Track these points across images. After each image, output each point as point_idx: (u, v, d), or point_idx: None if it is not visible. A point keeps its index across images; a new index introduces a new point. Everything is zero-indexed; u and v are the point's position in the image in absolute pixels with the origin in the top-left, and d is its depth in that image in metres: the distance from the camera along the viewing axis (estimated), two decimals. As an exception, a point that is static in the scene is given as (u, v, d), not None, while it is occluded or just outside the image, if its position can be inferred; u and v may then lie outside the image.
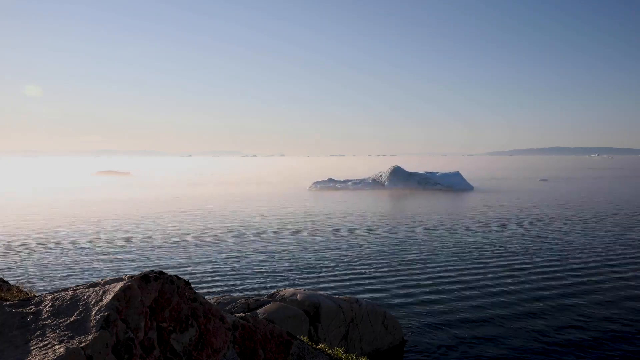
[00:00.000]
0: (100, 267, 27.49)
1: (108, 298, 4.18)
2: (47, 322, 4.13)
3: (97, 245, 34.06)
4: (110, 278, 4.64)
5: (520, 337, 17.12)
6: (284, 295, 15.87)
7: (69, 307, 4.26)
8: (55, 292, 4.56)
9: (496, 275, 25.40)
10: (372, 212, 53.65)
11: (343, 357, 7.11)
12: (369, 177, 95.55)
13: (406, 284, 23.87)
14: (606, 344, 16.57)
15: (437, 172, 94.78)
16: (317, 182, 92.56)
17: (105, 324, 3.96)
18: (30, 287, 6.56)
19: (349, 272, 26.33)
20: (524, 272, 25.87)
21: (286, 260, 29.10)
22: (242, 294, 21.25)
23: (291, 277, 25.26)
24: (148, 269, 4.81)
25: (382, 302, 20.66)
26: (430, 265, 27.77)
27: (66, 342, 3.82)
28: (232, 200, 67.54)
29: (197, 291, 4.95)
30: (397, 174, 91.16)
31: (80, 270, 26.87)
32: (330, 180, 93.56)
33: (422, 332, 17.66)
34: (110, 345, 3.89)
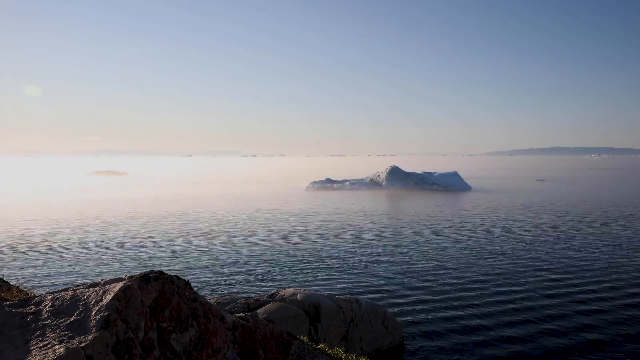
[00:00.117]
0: (100, 267, 27.49)
1: (108, 298, 4.18)
2: (47, 322, 4.13)
3: (97, 245, 34.06)
4: (110, 278, 4.64)
5: (520, 336, 17.12)
6: (284, 295, 15.87)
7: (69, 307, 4.26)
8: (55, 292, 4.56)
9: (495, 275, 25.41)
10: (368, 212, 53.66)
11: (343, 357, 7.11)
12: (367, 177, 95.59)
13: (406, 284, 23.88)
14: (606, 343, 16.57)
15: (435, 172, 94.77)
16: (314, 182, 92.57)
17: (105, 324, 3.95)
18: (30, 287, 6.56)
19: (349, 272, 26.33)
20: (522, 272, 25.87)
21: (286, 260, 29.09)
22: (242, 294, 21.26)
23: (291, 277, 25.27)
24: (148, 269, 4.81)
25: (382, 302, 20.66)
26: (429, 265, 27.77)
27: (66, 342, 3.82)
28: (230, 200, 67.55)
29: (197, 291, 4.95)
30: (395, 174, 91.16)
31: (80, 270, 26.87)
32: (328, 180, 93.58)
33: (422, 332, 17.66)
34: (110, 345, 3.89)
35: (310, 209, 56.54)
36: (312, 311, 15.22)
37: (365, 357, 8.18)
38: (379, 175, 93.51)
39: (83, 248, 32.92)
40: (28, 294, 5.32)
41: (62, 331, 3.99)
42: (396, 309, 19.84)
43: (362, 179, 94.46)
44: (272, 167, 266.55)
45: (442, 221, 45.29)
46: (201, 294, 5.32)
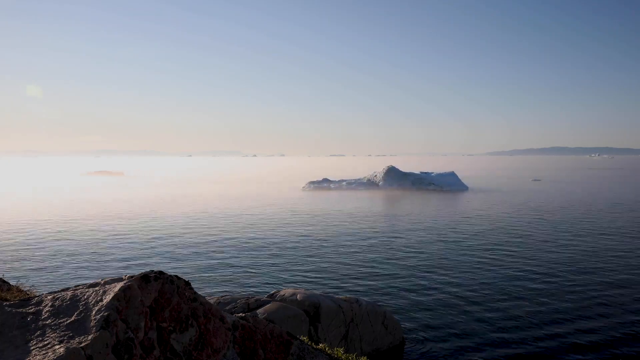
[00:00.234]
0: (100, 267, 27.48)
1: (108, 298, 4.18)
2: (47, 322, 4.13)
3: (97, 245, 34.05)
4: (110, 278, 4.64)
5: (519, 336, 17.12)
6: (284, 295, 15.86)
7: (69, 307, 4.26)
8: (55, 292, 4.55)
9: (493, 275, 25.41)
10: (364, 212, 53.66)
11: (343, 357, 7.11)
12: (364, 177, 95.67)
13: (406, 284, 23.88)
14: (606, 343, 16.58)
15: (432, 172, 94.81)
16: (311, 182, 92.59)
17: (105, 324, 3.95)
18: (30, 287, 6.56)
19: (349, 272, 26.33)
20: (521, 272, 25.87)
21: (286, 260, 29.09)
22: (242, 294, 21.25)
23: (291, 277, 25.27)
24: (148, 269, 4.80)
25: (382, 302, 20.67)
26: (429, 265, 27.77)
27: (66, 342, 3.82)
28: (228, 200, 67.54)
29: (197, 291, 4.95)
30: (392, 174, 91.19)
31: (80, 270, 26.86)
32: (325, 180, 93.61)
33: (422, 332, 17.66)
34: (110, 345, 3.89)
35: (306, 209, 56.55)
36: (312, 311, 15.22)
37: (365, 357, 8.18)
38: (376, 176, 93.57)
39: (83, 248, 32.91)
40: (28, 294, 5.32)
41: (62, 331, 3.99)
42: (396, 309, 19.84)
43: (359, 179, 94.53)
44: (272, 167, 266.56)
45: (438, 221, 45.30)
46: (201, 294, 5.32)
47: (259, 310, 14.43)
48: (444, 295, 21.96)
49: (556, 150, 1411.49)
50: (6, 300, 4.59)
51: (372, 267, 27.41)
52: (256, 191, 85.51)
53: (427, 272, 26.17)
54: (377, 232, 39.65)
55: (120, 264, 28.32)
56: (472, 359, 15.48)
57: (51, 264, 28.16)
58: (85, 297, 4.31)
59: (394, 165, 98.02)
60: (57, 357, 3.60)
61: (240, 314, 5.48)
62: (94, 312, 4.07)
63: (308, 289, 18.62)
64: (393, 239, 36.09)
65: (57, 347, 3.76)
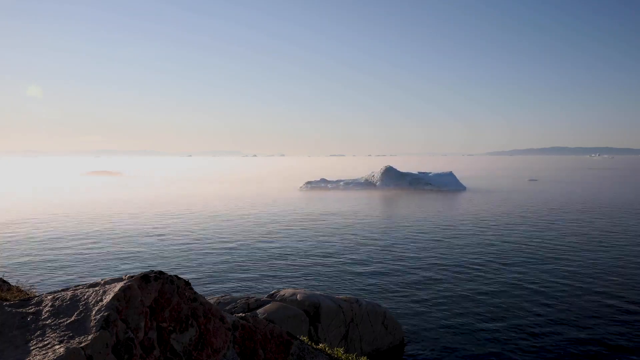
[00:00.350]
0: (100, 267, 27.48)
1: (108, 298, 4.18)
2: (47, 322, 4.13)
3: (97, 245, 34.05)
4: (110, 278, 4.63)
5: (519, 335, 17.13)
6: (284, 295, 15.86)
7: (69, 307, 4.26)
8: (55, 292, 4.55)
9: (492, 274, 25.41)
10: (360, 212, 53.66)
11: (343, 357, 7.11)
12: (361, 178, 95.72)
13: (406, 284, 23.88)
14: (605, 343, 16.58)
15: (430, 173, 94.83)
16: (308, 183, 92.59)
17: (105, 324, 3.95)
18: (30, 287, 6.56)
19: (349, 272, 26.33)
20: (519, 272, 25.88)
21: (286, 260, 29.09)
22: (242, 294, 21.24)
23: (291, 277, 25.26)
24: (148, 269, 4.80)
25: (382, 302, 20.66)
26: (429, 265, 27.77)
27: (66, 342, 3.81)
28: (227, 200, 67.53)
29: (197, 291, 4.95)
30: (389, 174, 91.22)
31: (80, 270, 26.86)
32: (322, 180, 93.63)
33: (422, 332, 17.66)
34: (110, 345, 3.89)
35: (303, 209, 56.54)
36: (312, 311, 15.22)
37: (365, 357, 8.18)
38: (373, 176, 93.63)
39: (83, 248, 32.91)
40: (28, 294, 5.32)
41: (62, 331, 3.99)
42: (396, 309, 19.84)
43: (356, 179, 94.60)
44: (272, 167, 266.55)
45: (434, 221, 45.31)
46: (201, 294, 5.32)
47: (259, 310, 14.43)
48: (444, 295, 21.96)
49: (556, 150, 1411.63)
50: (6, 300, 4.59)
51: (372, 267, 27.41)
52: (255, 191, 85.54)
53: (427, 272, 26.17)
54: (375, 232, 39.65)
55: (120, 264, 28.31)
56: (472, 359, 15.49)
57: (51, 264, 28.16)
58: (85, 297, 4.31)
59: (392, 165, 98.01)
60: (57, 357, 3.60)
61: (240, 314, 5.48)
62: (94, 312, 4.07)
63: (308, 289, 18.63)
64: (391, 239, 36.09)
65: (57, 347, 3.76)
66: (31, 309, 4.33)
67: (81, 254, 31.11)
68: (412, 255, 30.50)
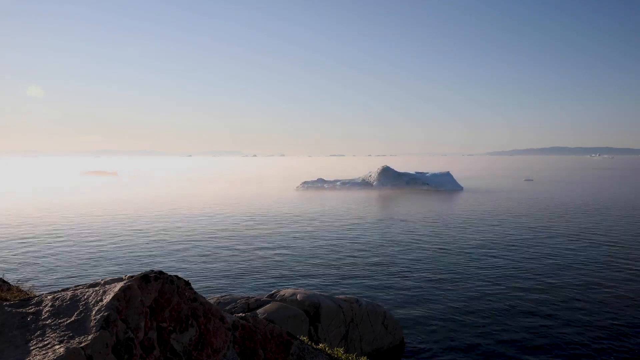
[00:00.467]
0: (100, 267, 27.47)
1: (108, 298, 4.17)
2: (47, 322, 4.13)
3: (97, 245, 34.04)
4: (110, 278, 4.63)
5: (518, 335, 17.13)
6: (284, 295, 15.86)
7: (69, 307, 4.26)
8: (55, 292, 4.55)
9: (492, 275, 25.41)
10: (354, 212, 53.65)
11: (343, 357, 7.11)
12: (359, 177, 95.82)
13: (406, 284, 23.88)
14: (605, 341, 16.58)
15: (427, 173, 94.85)
16: (305, 182, 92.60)
17: (105, 324, 3.95)
18: (30, 287, 6.56)
19: (349, 272, 26.33)
20: (518, 272, 25.88)
21: (286, 260, 29.08)
22: (242, 294, 21.24)
23: (291, 277, 25.26)
24: (148, 269, 4.81)
25: (382, 302, 20.66)
26: (428, 265, 27.77)
27: (66, 342, 3.81)
28: (225, 200, 67.51)
29: (197, 291, 4.95)
30: (386, 174, 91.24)
31: (80, 270, 26.85)
32: (320, 180, 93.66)
33: (422, 332, 17.66)
34: (110, 345, 3.89)
35: (299, 209, 56.54)
36: (312, 311, 15.21)
37: (365, 357, 8.18)
38: (370, 175, 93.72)
39: (83, 248, 32.89)
40: (28, 294, 5.32)
41: (62, 331, 3.98)
42: (396, 309, 19.84)
43: (354, 179, 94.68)
44: (272, 167, 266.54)
45: (431, 221, 45.31)
46: (201, 294, 5.31)
47: (259, 310, 14.43)
48: (443, 295, 21.96)
49: (556, 150, 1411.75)
50: (6, 300, 4.59)
51: (372, 267, 27.40)
52: (255, 191, 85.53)
53: (427, 272, 26.17)
54: (374, 232, 39.64)
55: (120, 264, 28.31)
56: (472, 359, 15.49)
57: (51, 264, 28.15)
58: (85, 297, 4.31)
59: (391, 165, 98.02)
60: (57, 357, 3.60)
61: (240, 314, 5.48)
62: (94, 312, 4.06)
63: (308, 289, 18.62)
64: (389, 239, 36.09)
65: (57, 347, 3.76)
66: (31, 309, 4.33)
67: (81, 254, 31.10)
68: (412, 255, 30.50)
